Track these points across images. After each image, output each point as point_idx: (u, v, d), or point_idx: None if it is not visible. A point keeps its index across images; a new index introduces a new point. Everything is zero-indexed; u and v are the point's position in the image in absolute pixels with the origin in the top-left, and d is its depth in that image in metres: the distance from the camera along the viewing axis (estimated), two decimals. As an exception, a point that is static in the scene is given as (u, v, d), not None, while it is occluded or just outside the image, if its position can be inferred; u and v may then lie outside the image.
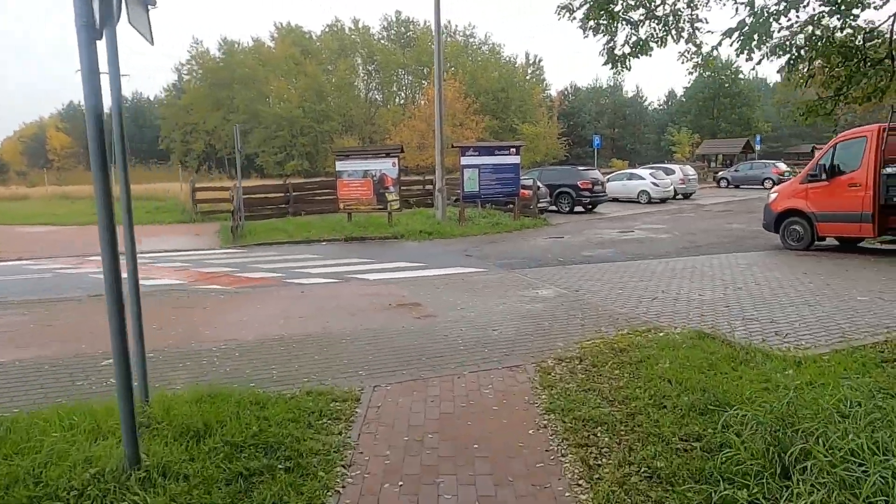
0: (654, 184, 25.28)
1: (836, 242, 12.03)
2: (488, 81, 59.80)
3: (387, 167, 16.69)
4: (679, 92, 67.91)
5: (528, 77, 64.53)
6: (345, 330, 6.37)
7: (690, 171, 28.81)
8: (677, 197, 26.97)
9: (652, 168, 27.97)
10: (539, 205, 19.86)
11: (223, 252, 13.52)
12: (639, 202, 25.44)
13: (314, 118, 57.97)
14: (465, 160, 17.06)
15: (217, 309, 7.53)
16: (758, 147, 43.73)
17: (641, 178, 25.82)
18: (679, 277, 9.15)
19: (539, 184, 20.27)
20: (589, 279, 9.15)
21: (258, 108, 57.77)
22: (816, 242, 11.67)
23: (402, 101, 63.60)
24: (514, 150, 17.86)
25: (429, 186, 22.85)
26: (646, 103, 72.86)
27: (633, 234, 15.33)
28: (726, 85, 56.13)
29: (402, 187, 23.61)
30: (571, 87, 68.65)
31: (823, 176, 11.17)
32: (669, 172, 27.29)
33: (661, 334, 5.88)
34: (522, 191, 18.91)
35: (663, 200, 25.61)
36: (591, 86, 71.69)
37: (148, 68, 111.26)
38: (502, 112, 57.48)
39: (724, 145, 41.88)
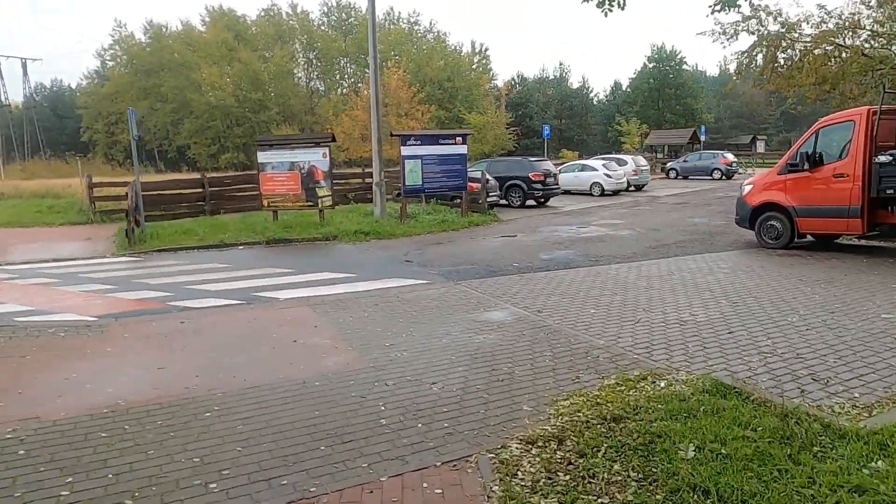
0: (607, 175, 24.13)
1: (811, 239, 10.89)
2: (434, 70, 57.87)
3: (316, 158, 14.62)
4: (624, 83, 68.06)
5: (474, 66, 62.99)
6: (214, 394, 4.41)
7: (642, 161, 27.91)
8: (630, 189, 25.97)
9: (604, 159, 26.86)
10: (488, 199, 18.23)
11: (112, 262, 11.18)
12: (591, 194, 24.25)
13: (250, 107, 54.56)
14: (406, 150, 15.19)
15: (42, 358, 5.32)
16: (703, 138, 43.71)
17: (594, 169, 24.63)
18: (658, 288, 7.63)
19: (488, 176, 18.63)
20: (552, 293, 7.51)
21: (189, 96, 53.87)
22: (796, 240, 10.49)
23: (344, 91, 60.83)
24: (460, 139, 16.13)
25: (369, 180, 20.84)
26: (592, 94, 72.75)
27: (592, 231, 13.89)
28: (671, 76, 56.31)
29: (340, 181, 21.58)
30: (518, 76, 67.63)
31: (805, 166, 9.93)
32: (622, 163, 26.24)
33: (664, 386, 4.26)
34: (470, 184, 17.22)
35: (616, 192, 24.51)
36: (539, 76, 70.97)
37: (70, 53, 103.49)
38: (449, 102, 55.73)
39: (671, 136, 41.60)
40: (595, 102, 72.27)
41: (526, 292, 7.56)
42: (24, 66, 69.83)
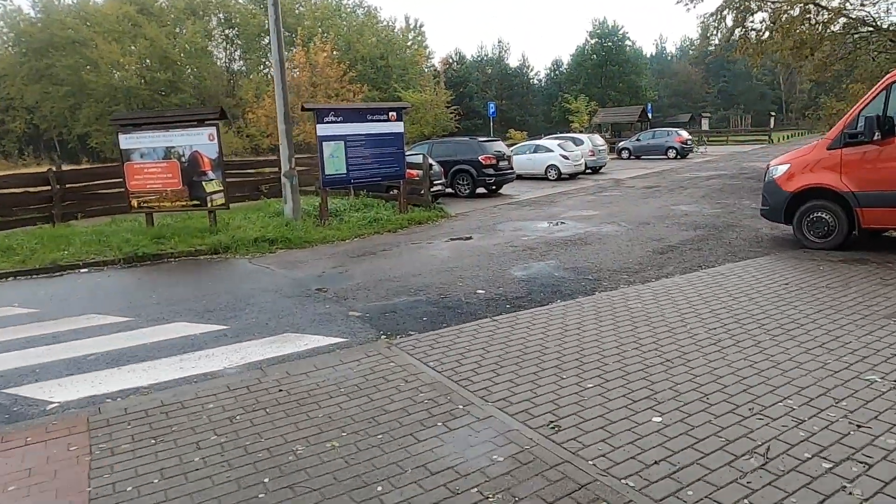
0: (564, 157, 21.31)
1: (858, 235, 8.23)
2: (366, 48, 53.64)
3: (200, 142, 10.85)
4: (566, 60, 65.90)
5: (409, 43, 59.05)
6: None
7: (599, 141, 25.30)
8: (587, 171, 23.31)
9: (559, 138, 24.04)
10: (433, 189, 14.94)
11: None
12: (547, 179, 21.39)
13: (158, 89, 48.67)
14: (323, 129, 11.63)
15: None
16: (650, 115, 41.91)
17: (549, 150, 21.74)
18: (728, 344, 4.58)
19: (431, 161, 15.31)
20: (562, 364, 4.33)
21: (85, 77, 47.43)
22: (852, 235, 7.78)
23: (267, 70, 55.60)
24: (394, 114, 12.68)
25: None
26: (532, 73, 70.30)
27: (567, 229, 10.85)
28: (614, 52, 54.38)
29: (250, 171, 17.71)
30: (456, 54, 64.18)
31: (875, 135, 7.16)
32: (578, 143, 23.50)
33: None
34: (409, 171, 13.87)
35: (573, 176, 21.77)
36: (477, 55, 67.79)
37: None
38: (383, 82, 51.73)
39: (621, 114, 39.51)
40: (536, 81, 69.90)
41: (514, 365, 4.34)
42: None
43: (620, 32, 55.02)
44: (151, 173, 11.10)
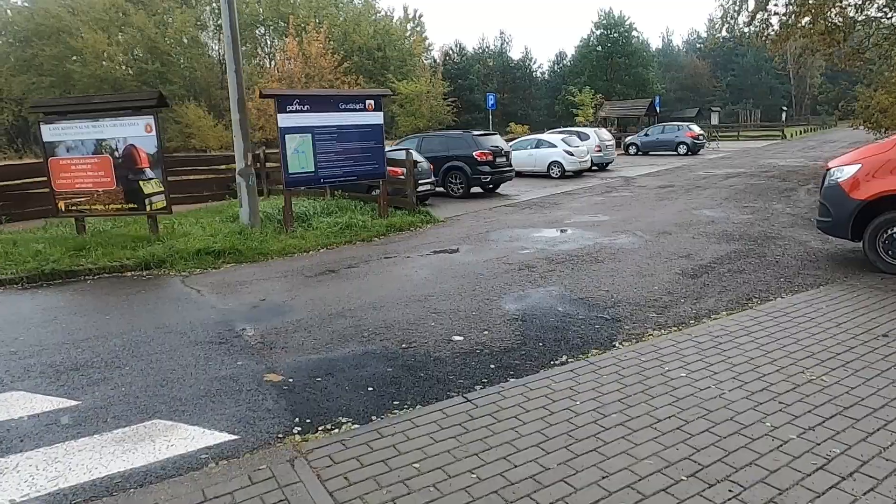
0: (569, 153, 19.50)
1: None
2: (362, 38, 51.69)
3: (136, 133, 9.10)
4: (570, 52, 63.84)
5: (407, 34, 57.06)
6: None
7: (606, 135, 23.46)
8: (593, 168, 21.52)
9: (563, 133, 22.22)
10: (420, 189, 13.18)
11: None
12: (550, 176, 19.60)
13: (146, 81, 46.81)
14: (286, 119, 9.85)
15: None
16: (658, 109, 40.02)
17: (552, 145, 19.92)
18: (863, 488, 2.83)
19: (417, 156, 13.54)
20: None
21: (69, 67, 45.64)
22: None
23: (260, 62, 53.71)
24: (371, 102, 10.89)
25: (270, 165, 15.36)
26: (535, 66, 68.19)
27: (574, 239, 9.08)
28: (620, 43, 52.28)
29: (217, 167, 15.95)
30: (457, 45, 62.16)
31: None
32: (584, 138, 21.68)
33: None
34: (392, 168, 12.13)
35: (578, 173, 19.98)
36: (479, 47, 65.75)
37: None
38: (380, 73, 49.81)
39: (628, 107, 37.56)
40: (539, 75, 67.82)
41: None
42: None
43: (627, 23, 52.93)
44: (80, 171, 9.37)
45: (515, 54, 68.40)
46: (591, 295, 5.98)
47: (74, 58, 45.84)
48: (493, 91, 58.42)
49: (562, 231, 9.93)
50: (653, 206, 12.33)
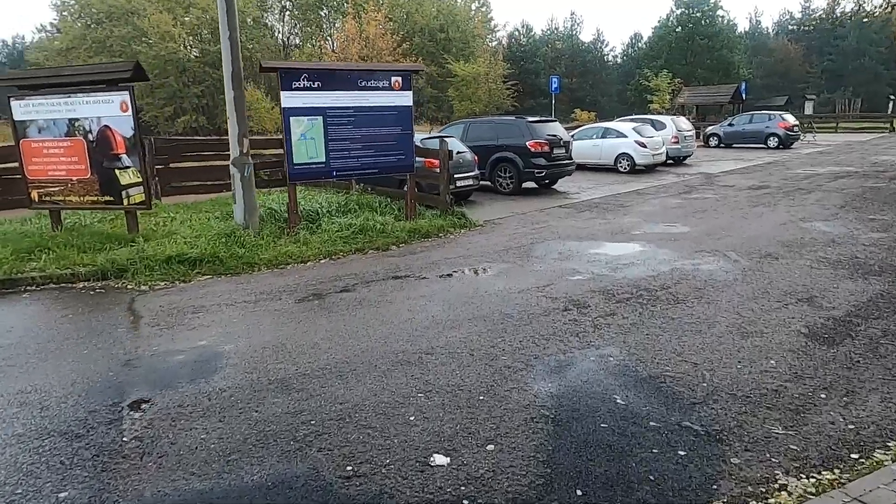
0: (640, 143, 16.94)
1: None
2: (425, 18, 49.68)
3: (111, 113, 7.61)
4: (646, 34, 59.44)
5: (472, 14, 54.57)
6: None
7: (685, 124, 20.56)
8: (668, 162, 18.80)
9: (635, 121, 19.58)
10: (460, 184, 11.24)
11: None
12: (617, 170, 17.13)
13: (210, 62, 46.82)
14: (291, 98, 8.12)
15: None
16: (744, 96, 36.04)
17: (621, 134, 17.40)
18: None
19: (458, 146, 11.57)
20: None
21: (135, 48, 46.24)
22: None
23: (321, 45, 52.85)
24: (399, 80, 8.98)
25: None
26: (607, 49, 64.09)
27: (643, 260, 6.89)
28: (703, 23, 47.73)
29: (254, 151, 14.47)
30: (524, 27, 59.11)
31: None
32: (659, 127, 18.97)
33: None
34: (429, 160, 10.26)
35: (650, 168, 17.39)
36: (547, 28, 62.43)
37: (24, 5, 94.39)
38: (441, 56, 47.72)
39: (709, 94, 33.83)
40: (610, 58, 63.71)
41: None
42: None
43: (711, 1, 48.27)
44: (52, 156, 8.01)
45: (586, 36, 64.63)
46: (670, 371, 3.89)
47: (142, 38, 46.35)
48: (560, 75, 55.24)
49: (627, 245, 7.73)
50: (745, 215, 9.85)
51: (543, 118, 14.31)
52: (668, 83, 33.88)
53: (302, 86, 8.19)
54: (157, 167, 10.98)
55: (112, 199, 7.88)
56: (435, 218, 9.35)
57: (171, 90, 47.26)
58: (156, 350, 4.53)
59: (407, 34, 47.67)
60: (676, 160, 19.45)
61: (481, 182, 12.47)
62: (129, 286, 6.46)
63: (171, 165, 11.73)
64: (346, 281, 6.41)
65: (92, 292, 6.28)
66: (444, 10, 51.16)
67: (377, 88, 8.80)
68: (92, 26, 54.29)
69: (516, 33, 57.15)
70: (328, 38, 54.84)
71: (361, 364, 4.14)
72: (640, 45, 58.45)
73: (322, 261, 7.45)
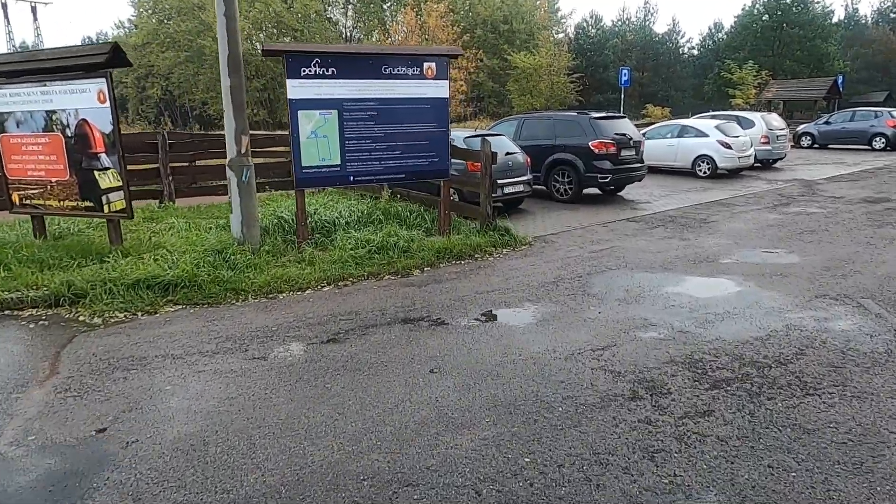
0: (724, 144, 14.66)
1: None
2: (487, 10, 47.83)
3: (88, 104, 6.45)
4: (728, 23, 55.11)
5: (537, 3, 52.12)
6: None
7: (777, 122, 17.90)
8: (755, 166, 16.33)
9: (716, 117, 17.21)
10: (511, 190, 9.60)
11: None
12: (696, 175, 14.93)
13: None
14: (300, 88, 6.73)
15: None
16: (841, 91, 32.23)
17: (702, 133, 15.16)
18: None
19: (507, 146, 9.91)
20: None
21: (200, 42, 46.91)
22: None
23: (382, 38, 51.98)
24: (432, 66, 7.41)
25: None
26: (682, 39, 59.91)
27: (743, 310, 5.03)
28: (793, 11, 43.38)
29: (277, 148, 13.31)
30: (593, 17, 56.15)
31: None
32: (747, 124, 16.53)
33: None
34: (472, 162, 8.71)
35: (733, 172, 15.07)
36: (618, 18, 59.09)
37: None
38: (503, 48, 45.72)
39: (800, 87, 30.34)
40: (686, 50, 59.59)
41: None
42: (34, 10, 64.77)
43: (805, -14, 43.79)
44: (31, 153, 6.97)
45: (660, 27, 60.75)
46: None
47: (206, 32, 46.96)
48: (632, 68, 51.95)
49: (718, 282, 5.87)
50: (871, 239, 7.69)
51: (610, 114, 12.38)
52: (755, 76, 30.50)
53: (313, 73, 6.77)
54: (170, 165, 9.94)
55: (92, 204, 6.75)
56: (472, 234, 7.75)
57: (234, 84, 47.57)
58: (31, 441, 3.18)
59: (468, 26, 46.00)
60: (764, 163, 16.93)
61: (534, 187, 10.74)
62: (81, 317, 5.24)
63: (191, 163, 10.69)
64: (341, 324, 4.93)
65: (33, 324, 5.10)
66: (508, 1, 49.08)
67: (406, 76, 7.28)
68: (164, 22, 55.80)
69: (584, 24, 54.29)
70: (388, 31, 54.01)
71: (303, 496, 2.62)
72: (720, 35, 54.18)
73: (324, 288, 6.02)
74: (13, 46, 57.58)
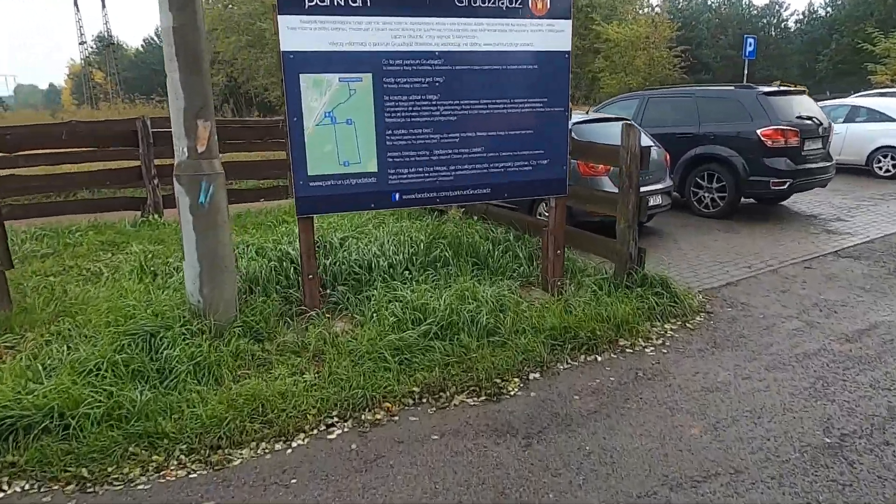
0: (920, 131, 10.55)
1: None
2: (566, -18, 43.33)
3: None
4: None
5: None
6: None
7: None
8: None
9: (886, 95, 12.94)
10: (652, 203, 6.13)
11: None
12: (872, 173, 10.92)
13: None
14: (296, 33, 3.65)
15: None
16: None
17: (886, 117, 11.08)
18: None
19: (640, 137, 6.44)
20: None
21: (260, 25, 45.19)
22: None
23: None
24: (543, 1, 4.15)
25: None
26: (787, 13, 53.04)
27: None
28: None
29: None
30: (683, -10, 50.26)
31: None
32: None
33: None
34: (587, 165, 5.38)
35: (924, 169, 10.91)
36: (710, -10, 52.86)
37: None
38: (583, 26, 41.27)
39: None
40: (793, 24, 52.66)
41: None
42: (103, 1, 65.53)
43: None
44: None
45: None
46: None
47: (265, 14, 45.21)
48: (725, 46, 46.11)
49: None
50: None
51: (784, 88, 8.64)
52: (906, 45, 24.71)
53: (327, 3, 3.65)
54: (155, 163, 7.15)
55: (-43, 240, 3.95)
56: (601, 288, 4.44)
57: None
58: None
59: (545, 1, 41.70)
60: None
61: (674, 195, 7.24)
62: None
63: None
64: None
65: None
66: (589, -29, 44.28)
67: (495, 14, 4.03)
68: (229, 7, 54.76)
69: (674, -4, 48.69)
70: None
71: None
72: (836, 3, 47.10)
73: (332, 427, 2.94)
74: (83, 35, 58.39)
